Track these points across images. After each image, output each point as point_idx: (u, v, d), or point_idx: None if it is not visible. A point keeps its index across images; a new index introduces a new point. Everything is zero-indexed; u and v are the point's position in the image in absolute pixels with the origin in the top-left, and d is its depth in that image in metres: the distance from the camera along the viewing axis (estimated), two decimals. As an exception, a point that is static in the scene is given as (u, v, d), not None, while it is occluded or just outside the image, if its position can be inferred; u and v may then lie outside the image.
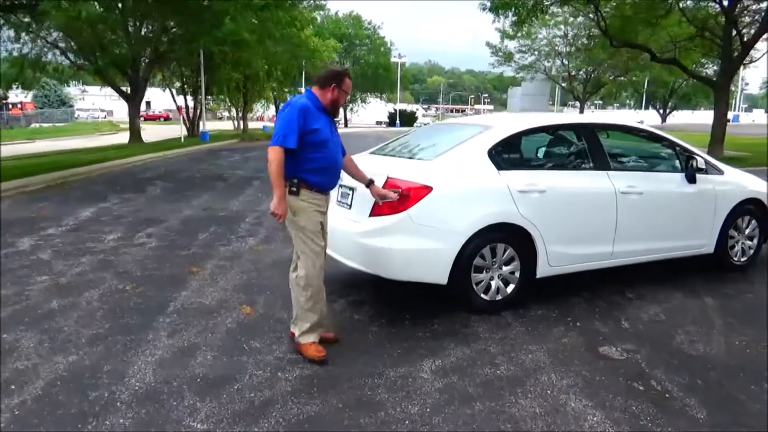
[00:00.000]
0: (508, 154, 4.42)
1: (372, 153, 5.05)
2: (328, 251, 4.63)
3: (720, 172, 5.25)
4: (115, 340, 3.84)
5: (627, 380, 3.28)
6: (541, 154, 4.76)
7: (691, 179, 4.99)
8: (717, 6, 13.66)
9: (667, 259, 5.09)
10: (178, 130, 26.82)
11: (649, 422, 2.85)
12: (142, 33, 21.87)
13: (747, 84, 52.13)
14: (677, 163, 5.10)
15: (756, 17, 13.40)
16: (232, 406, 3.00)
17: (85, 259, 5.85)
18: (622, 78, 37.78)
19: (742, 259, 5.44)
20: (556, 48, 36.02)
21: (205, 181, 12.61)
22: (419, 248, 4.02)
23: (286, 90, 41.01)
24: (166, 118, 65.06)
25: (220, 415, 2.91)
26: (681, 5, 14.08)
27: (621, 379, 3.29)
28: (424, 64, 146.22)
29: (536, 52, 36.69)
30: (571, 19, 31.17)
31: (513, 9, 14.53)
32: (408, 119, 55.25)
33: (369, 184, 3.98)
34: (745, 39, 12.93)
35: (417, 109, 64.88)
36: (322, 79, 3.59)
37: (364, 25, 51.64)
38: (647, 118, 49.37)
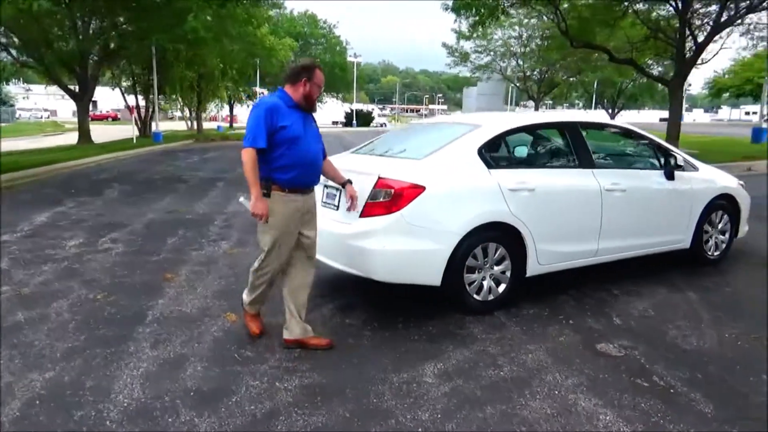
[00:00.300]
0: (497, 152, 4.39)
1: (354, 152, 4.94)
2: (322, 259, 4.53)
3: (695, 168, 5.36)
4: (93, 354, 3.59)
5: (630, 377, 3.27)
6: (528, 153, 4.73)
7: (670, 176, 5.08)
8: (671, 9, 14.13)
9: (645, 255, 5.16)
10: (128, 131, 25.97)
11: (660, 419, 2.84)
12: (92, 29, 20.97)
13: (690, 85, 54.31)
14: (656, 160, 5.18)
15: (706, 20, 13.94)
16: (233, 420, 2.83)
17: (47, 267, 5.51)
18: (574, 79, 38.68)
19: (716, 254, 5.58)
20: (511, 49, 36.61)
21: (165, 183, 12.18)
22: (413, 249, 3.93)
23: (241, 89, 40.30)
24: (114, 118, 62.97)
25: (222, 431, 2.74)
26: (636, 8, 14.49)
27: (624, 376, 3.29)
28: (378, 64, 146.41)
29: (492, 53, 37.20)
30: (526, 20, 31.70)
31: (474, 9, 14.62)
32: (365, 119, 55.16)
33: (344, 184, 3.97)
34: (699, 40, 13.43)
35: (373, 109, 64.72)
36: (292, 75, 3.55)
37: (320, 24, 51.23)
38: (597, 118, 50.66)
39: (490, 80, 37.02)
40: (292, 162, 3.48)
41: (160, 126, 28.11)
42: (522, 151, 4.59)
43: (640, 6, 14.47)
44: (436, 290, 4.09)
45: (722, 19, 12.84)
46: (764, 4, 12.79)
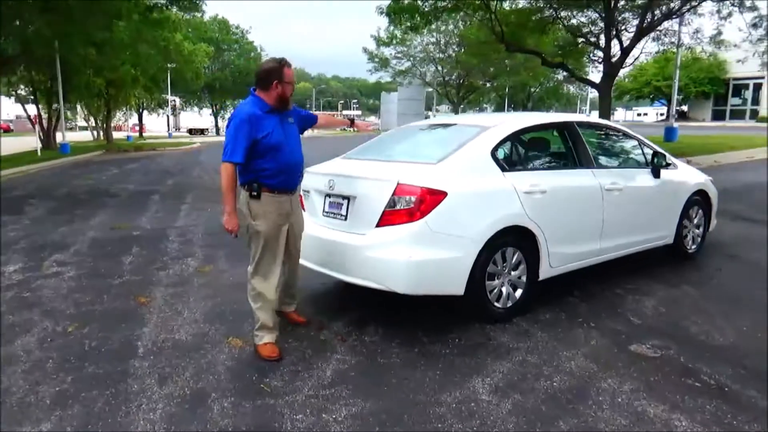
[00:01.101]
0: (507, 154, 4.26)
1: (351, 158, 4.64)
2: (319, 268, 4.22)
3: (675, 166, 5.52)
4: (91, 397, 3.09)
5: (680, 378, 3.23)
6: (537, 155, 4.65)
7: (657, 174, 5.19)
8: (597, 15, 14.84)
9: (636, 252, 5.23)
10: (27, 143, 23.97)
11: (734, 420, 2.80)
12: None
13: (590, 88, 57.49)
14: (642, 158, 5.27)
15: (628, 26, 14.79)
16: (294, 463, 2.49)
17: (-8, 297, 4.80)
18: (490, 83, 39.98)
19: (693, 248, 5.77)
20: (430, 54, 37.25)
21: (92, 197, 11.22)
22: (438, 258, 3.71)
23: (151, 97, 38.35)
24: (6, 130, 57.90)
25: (287, 477, 2.40)
26: (562, 14, 15.09)
27: (673, 378, 3.24)
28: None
29: (412, 58, 37.67)
30: (444, 26, 32.35)
31: (408, 14, 14.62)
32: (282, 126, 54.04)
33: (352, 123, 4.59)
34: (625, 44, 14.19)
35: (291, 116, 63.61)
36: (261, 80, 3.53)
37: (232, 29, 49.74)
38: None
39: (411, 85, 37.45)
40: (278, 168, 3.53)
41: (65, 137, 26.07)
42: (530, 153, 4.49)
43: (566, 13, 15.08)
44: (445, 300, 3.91)
45: (644, 25, 13.62)
46: (683, 9, 13.74)
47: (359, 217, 3.95)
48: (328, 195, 4.24)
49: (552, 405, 2.95)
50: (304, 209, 4.49)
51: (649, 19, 14.03)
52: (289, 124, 3.69)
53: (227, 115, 55.35)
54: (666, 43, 17.27)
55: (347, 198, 4.06)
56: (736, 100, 41.17)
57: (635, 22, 14.21)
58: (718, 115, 41.54)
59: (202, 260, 6.01)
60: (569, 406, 2.94)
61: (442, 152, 4.11)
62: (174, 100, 50.44)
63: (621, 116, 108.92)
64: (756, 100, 39.47)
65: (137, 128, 45.53)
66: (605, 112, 15.14)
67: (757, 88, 38.97)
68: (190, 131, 56.39)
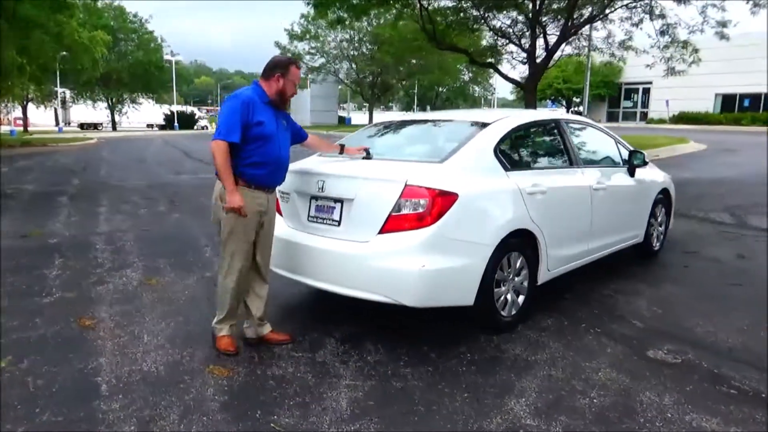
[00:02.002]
0: (509, 153, 3.99)
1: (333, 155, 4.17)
2: (310, 282, 3.76)
3: (649, 165, 5.51)
4: (57, 455, 2.47)
5: (714, 385, 3.10)
6: (535, 153, 4.42)
7: (632, 173, 5.15)
8: (521, 16, 15.13)
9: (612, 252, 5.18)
10: None
11: (789, 430, 2.68)
12: None
13: (495, 89, 59.69)
14: (619, 157, 5.21)
15: (552, 29, 15.20)
16: None
17: None
18: (405, 82, 40.21)
19: (657, 245, 5.83)
20: (345, 51, 36.80)
21: (-15, 199, 9.81)
22: (451, 267, 3.37)
23: (40, 88, 35.01)
24: None
25: None
26: (487, 15, 15.26)
27: (706, 386, 3.10)
28: (189, 64, 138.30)
29: (326, 55, 37.01)
30: (357, 23, 32.05)
31: (338, 5, 14.13)
32: (187, 121, 51.47)
33: (342, 150, 3.97)
34: (550, 46, 14.57)
35: (196, 111, 60.58)
36: (266, 70, 3.44)
37: (129, 18, 46.45)
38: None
39: (324, 82, 36.82)
40: (263, 160, 3.35)
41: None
42: (527, 151, 4.26)
43: (490, 14, 15.26)
44: (441, 310, 3.59)
45: (570, 25, 14.03)
46: (604, 13, 14.31)
47: (357, 223, 3.52)
48: (315, 197, 3.77)
49: (604, 425, 2.71)
50: (280, 214, 4.00)
51: (573, 22, 14.48)
52: (283, 124, 3.53)
53: (125, 110, 51.76)
54: (580, 47, 17.99)
55: (340, 201, 3.61)
56: (628, 103, 44.20)
57: (560, 24, 14.62)
58: (611, 117, 44.35)
59: (144, 271, 5.29)
60: (622, 425, 2.71)
61: (444, 150, 3.77)
62: (64, 92, 46.46)
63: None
64: (645, 103, 42.56)
65: (20, 122, 41.34)
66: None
67: (646, 91, 42.02)
68: (82, 126, 52.36)
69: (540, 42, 14.60)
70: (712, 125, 34.57)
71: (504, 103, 66.65)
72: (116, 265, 5.47)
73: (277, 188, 3.66)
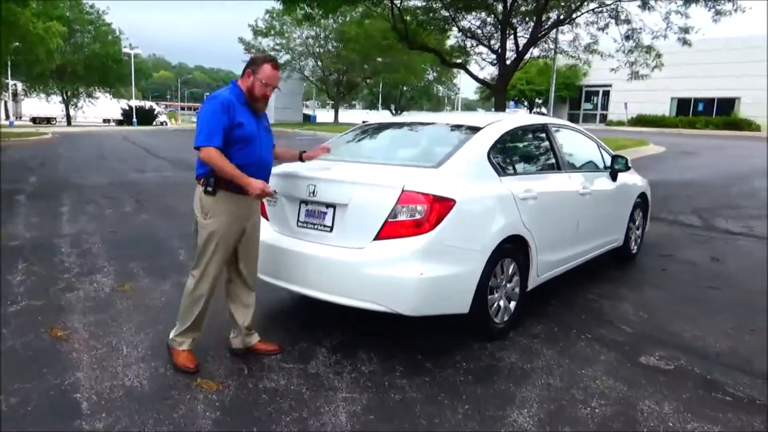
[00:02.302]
0: (501, 158, 3.94)
1: (329, 159, 4.02)
2: (298, 289, 3.64)
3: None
4: (39, 483, 2.29)
5: (710, 392, 3.12)
6: (525, 157, 4.38)
7: (614, 177, 5.19)
8: (491, 18, 15.23)
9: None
10: None
11: (789, 438, 2.71)
12: None
13: (459, 89, 60.19)
14: (602, 162, 5.24)
15: (522, 31, 15.36)
16: None
17: None
18: (370, 80, 40.08)
19: (634, 248, 5.90)
20: (310, 48, 36.41)
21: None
22: (449, 274, 3.31)
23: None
24: None
25: None
26: (458, 16, 15.30)
27: (702, 392, 3.12)
28: (148, 57, 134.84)
29: (291, 51, 36.55)
30: (323, 20, 31.78)
31: (305, 2, 13.91)
32: (145, 117, 50.15)
33: (301, 155, 3.78)
34: (521, 48, 14.71)
35: (155, 106, 58.99)
36: (244, 67, 3.30)
37: (86, 9, 44.88)
38: (382, 118, 53.48)
39: (289, 79, 36.37)
40: (245, 162, 3.17)
41: None
42: (518, 156, 4.22)
43: (461, 15, 15.31)
44: (463, 317, 3.53)
45: (540, 26, 14.22)
46: (573, 16, 14.53)
47: (351, 229, 3.41)
48: (305, 202, 3.65)
49: (609, 437, 2.68)
50: (266, 218, 3.86)
51: (542, 25, 14.65)
52: (264, 125, 3.38)
53: (80, 104, 49.96)
54: (547, 49, 18.25)
55: (333, 206, 3.50)
56: (588, 105, 45.18)
57: (529, 26, 14.79)
58: (572, 118, 45.26)
59: (116, 276, 5.05)
60: (627, 436, 2.69)
61: (438, 155, 3.70)
62: (15, 85, 44.63)
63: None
64: (605, 106, 43.58)
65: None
66: (499, 111, 15.63)
67: (606, 94, 43.03)
68: (35, 120, 50.41)
69: (510, 44, 14.72)
70: (669, 128, 35.66)
71: (467, 104, 67.20)
72: (85, 270, 5.21)
73: None
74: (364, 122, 5.92)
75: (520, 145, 4.36)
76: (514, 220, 3.73)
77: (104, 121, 55.15)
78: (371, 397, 3.02)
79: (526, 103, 46.80)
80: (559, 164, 4.49)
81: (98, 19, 45.75)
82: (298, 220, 3.69)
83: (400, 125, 4.68)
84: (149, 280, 4.96)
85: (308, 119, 51.48)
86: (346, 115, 49.81)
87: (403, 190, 3.26)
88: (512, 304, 3.90)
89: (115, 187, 10.62)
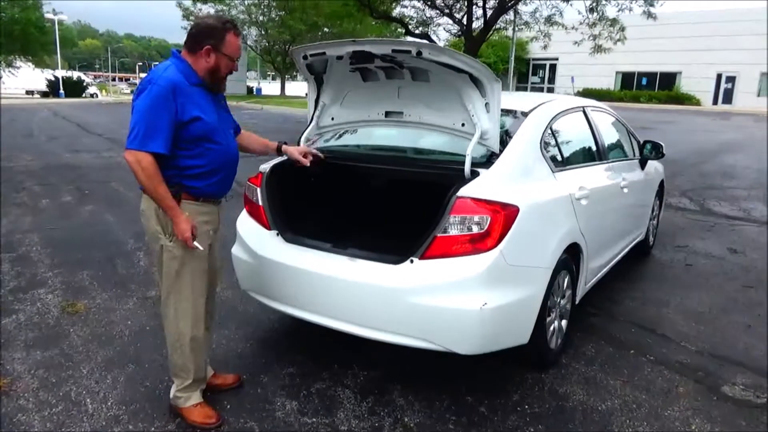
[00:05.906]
0: (551, 149, 3.28)
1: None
2: (317, 320, 2.89)
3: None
4: None
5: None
6: (569, 148, 3.71)
7: (643, 165, 4.65)
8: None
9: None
10: None
11: None
12: None
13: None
14: (631, 149, 4.66)
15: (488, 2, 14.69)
16: None
17: None
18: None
19: (651, 240, 5.43)
20: (253, 16, 34.54)
21: None
22: (512, 301, 2.63)
23: None
24: None
25: None
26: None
27: (816, 436, 2.62)
28: (73, 24, 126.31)
29: (233, 19, 34.53)
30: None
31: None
32: (74, 88, 46.74)
33: (279, 148, 3.02)
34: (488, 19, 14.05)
35: (84, 77, 54.90)
36: (191, 38, 2.43)
37: (1, -32, 40.91)
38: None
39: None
40: (214, 166, 2.49)
41: None
42: (563, 146, 3.54)
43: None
44: (521, 349, 2.88)
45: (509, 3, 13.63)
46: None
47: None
48: (319, 208, 2.88)
49: None
50: (267, 227, 3.06)
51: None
52: (224, 109, 2.64)
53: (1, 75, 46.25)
54: (507, 21, 17.70)
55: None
56: (536, 79, 45.31)
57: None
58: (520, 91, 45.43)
59: (64, 291, 4.13)
60: None
61: (481, 148, 2.98)
62: None
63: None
64: (552, 79, 43.81)
65: None
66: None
67: (552, 68, 43.22)
68: (-67, 93, 46.06)
69: (476, 15, 14.06)
70: (614, 102, 36.20)
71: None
72: (23, 284, 4.25)
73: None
74: None
75: (568, 132, 3.68)
76: (572, 226, 3.11)
77: (27, 92, 51.05)
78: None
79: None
80: (600, 154, 3.89)
81: (16, -19, 41.89)
82: (310, 231, 2.92)
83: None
84: (107, 295, 4.08)
85: (252, 92, 49.24)
86: (293, 87, 47.94)
87: (456, 197, 2.55)
88: (564, 323, 3.29)
89: (50, 171, 9.36)
